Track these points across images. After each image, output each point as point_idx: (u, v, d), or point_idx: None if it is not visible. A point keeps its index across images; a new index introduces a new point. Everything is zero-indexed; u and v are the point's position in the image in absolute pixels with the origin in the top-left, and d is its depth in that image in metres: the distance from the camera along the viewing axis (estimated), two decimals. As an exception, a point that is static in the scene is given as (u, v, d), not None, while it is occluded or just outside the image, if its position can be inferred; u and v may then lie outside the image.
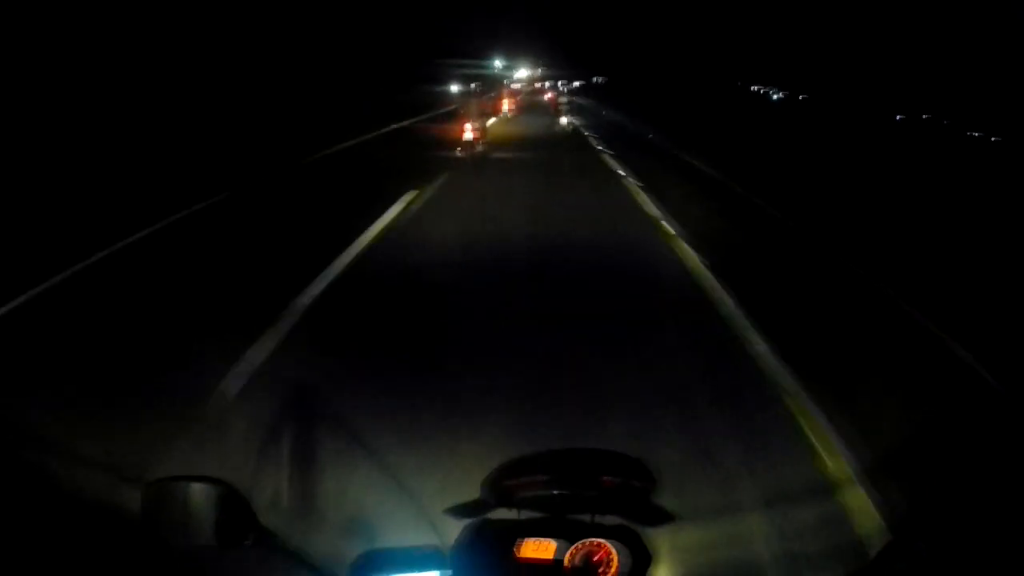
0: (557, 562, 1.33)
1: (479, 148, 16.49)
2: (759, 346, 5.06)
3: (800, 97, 52.16)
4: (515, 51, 72.79)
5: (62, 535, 2.65)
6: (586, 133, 23.43)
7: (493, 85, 46.34)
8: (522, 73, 77.67)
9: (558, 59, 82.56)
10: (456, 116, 19.52)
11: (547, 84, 69.85)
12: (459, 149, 16.08)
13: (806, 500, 3.14)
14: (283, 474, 3.20)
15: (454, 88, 39.71)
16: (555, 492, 1.40)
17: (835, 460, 3.55)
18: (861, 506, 3.10)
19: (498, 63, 65.98)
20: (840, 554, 2.76)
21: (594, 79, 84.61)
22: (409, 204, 10.00)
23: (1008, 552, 1.11)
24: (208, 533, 1.10)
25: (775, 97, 56.63)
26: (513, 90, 45.70)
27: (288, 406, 3.78)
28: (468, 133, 16.45)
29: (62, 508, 2.84)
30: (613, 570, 1.33)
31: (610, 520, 1.38)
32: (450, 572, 1.23)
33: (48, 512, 2.79)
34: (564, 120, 25.83)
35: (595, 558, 1.32)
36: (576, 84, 77.32)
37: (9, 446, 3.24)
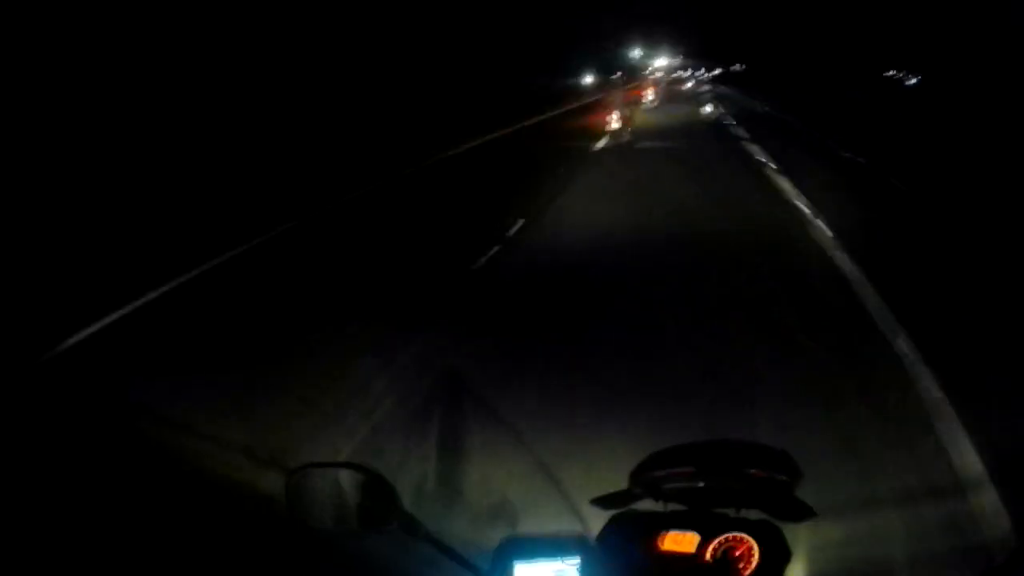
0: (698, 555, 1.37)
1: (626, 137, 17.65)
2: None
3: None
4: (653, 39, 72.43)
5: (209, 520, 2.80)
6: (730, 123, 23.54)
7: (634, 74, 46.91)
8: (661, 62, 77.16)
9: (695, 46, 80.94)
10: (601, 106, 20.65)
11: (686, 73, 69.30)
12: (607, 138, 17.36)
13: (943, 498, 3.14)
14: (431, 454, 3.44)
15: (589, 79, 40.79)
16: (700, 485, 1.43)
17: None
18: (995, 507, 3.03)
19: (637, 52, 66.15)
20: (976, 554, 2.74)
21: (733, 67, 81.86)
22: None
23: None
24: (353, 517, 1.15)
25: (910, 83, 52.48)
26: (654, 79, 46.04)
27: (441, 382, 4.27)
28: (615, 123, 17.66)
29: (209, 494, 3.00)
30: (753, 565, 1.35)
31: (753, 515, 1.40)
32: (593, 559, 1.27)
33: (197, 498, 2.95)
34: (707, 109, 26.07)
35: (735, 552, 1.36)
36: (715, 72, 75.70)
37: (156, 433, 3.48)
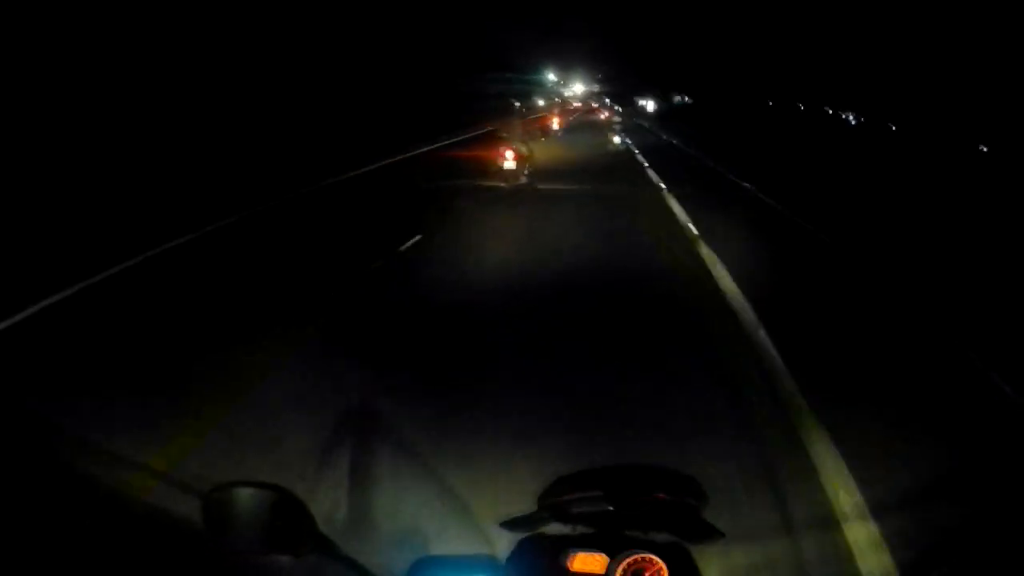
0: (607, 575, 1.43)
1: (522, 179, 14.89)
2: None
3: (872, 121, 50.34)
4: (570, 61, 70.99)
5: (127, 543, 2.99)
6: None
7: (527, 104, 44.62)
8: (576, 89, 75.87)
9: (623, 71, 79.40)
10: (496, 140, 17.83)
11: (606, 103, 67.15)
12: (497, 180, 14.68)
13: (850, 524, 3.51)
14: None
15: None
16: (608, 507, 1.49)
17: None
18: (907, 532, 3.43)
19: (551, 76, 64.79)
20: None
21: (676, 98, 78.01)
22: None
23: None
24: (267, 539, 1.20)
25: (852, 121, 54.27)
26: (565, 109, 44.29)
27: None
28: (508, 161, 14.87)
29: (127, 518, 3.24)
30: None
31: (661, 537, 1.48)
32: None
33: (113, 522, 3.16)
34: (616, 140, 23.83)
35: (645, 573, 1.41)
36: (646, 104, 69.70)
37: (70, 457, 3.66)
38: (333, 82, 32.20)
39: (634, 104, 65.27)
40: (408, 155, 20.08)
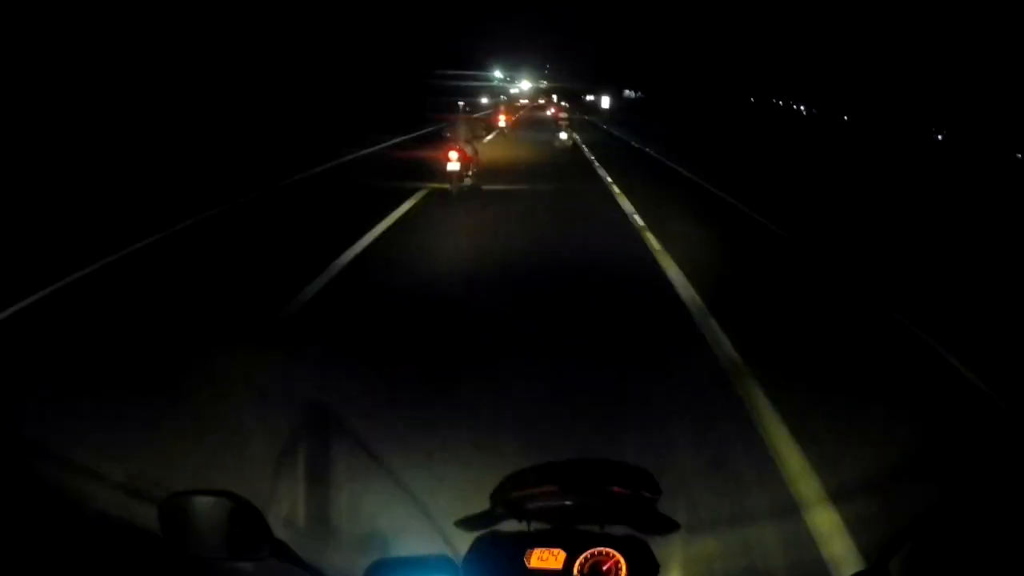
0: (566, 571, 1.43)
1: (468, 181, 14.48)
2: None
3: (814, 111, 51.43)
4: (517, 59, 70.52)
5: (83, 552, 2.97)
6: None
7: (473, 104, 44.12)
8: (524, 86, 75.51)
9: (573, 68, 79.16)
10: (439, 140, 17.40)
11: (552, 99, 66.78)
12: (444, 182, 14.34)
13: (811, 510, 3.55)
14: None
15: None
16: (564, 503, 1.51)
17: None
18: (868, 517, 3.46)
19: (498, 74, 64.35)
20: (844, 562, 3.13)
21: (625, 93, 78.53)
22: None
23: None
24: (223, 546, 1.22)
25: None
26: (511, 107, 43.90)
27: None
28: (454, 163, 14.45)
29: (82, 525, 3.19)
30: None
31: (618, 530, 1.49)
32: None
33: (68, 529, 3.11)
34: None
35: (603, 567, 1.42)
36: (598, 101, 68.52)
37: (27, 464, 3.69)
38: (297, 81, 32.34)
39: (584, 101, 65.16)
40: (349, 158, 19.56)
